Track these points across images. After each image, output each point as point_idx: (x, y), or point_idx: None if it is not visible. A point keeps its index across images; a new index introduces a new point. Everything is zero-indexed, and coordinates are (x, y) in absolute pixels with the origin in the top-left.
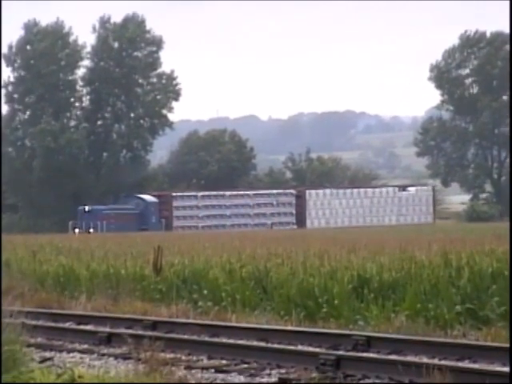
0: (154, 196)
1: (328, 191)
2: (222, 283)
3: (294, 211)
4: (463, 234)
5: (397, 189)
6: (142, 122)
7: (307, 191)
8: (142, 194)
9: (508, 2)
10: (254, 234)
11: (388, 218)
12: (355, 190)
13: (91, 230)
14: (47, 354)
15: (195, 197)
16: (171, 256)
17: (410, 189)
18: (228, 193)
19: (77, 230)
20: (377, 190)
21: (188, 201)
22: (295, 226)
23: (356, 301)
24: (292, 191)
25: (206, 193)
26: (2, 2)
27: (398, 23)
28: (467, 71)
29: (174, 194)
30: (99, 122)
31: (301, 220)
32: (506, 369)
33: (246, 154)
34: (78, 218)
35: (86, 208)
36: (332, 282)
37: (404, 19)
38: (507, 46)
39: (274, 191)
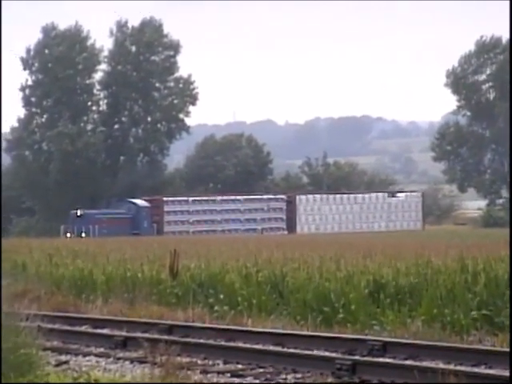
0: (145, 200)
1: (318, 197)
2: (239, 288)
3: (284, 217)
4: (479, 239)
5: (386, 195)
6: (158, 126)
7: (297, 197)
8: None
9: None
10: (269, 239)
11: (377, 224)
12: (345, 196)
13: (83, 235)
14: (63, 358)
15: (186, 201)
16: (187, 260)
17: (399, 195)
18: (219, 197)
19: (68, 235)
20: (366, 195)
21: (179, 206)
22: (285, 232)
23: (372, 306)
24: (283, 196)
25: (197, 198)
26: (23, 5)
27: (415, 26)
28: (484, 77)
29: (165, 198)
30: (116, 126)
31: (291, 225)
32: None
33: (262, 158)
34: (69, 222)
35: (78, 212)
36: (348, 286)
37: (421, 22)
38: None
39: (265, 196)
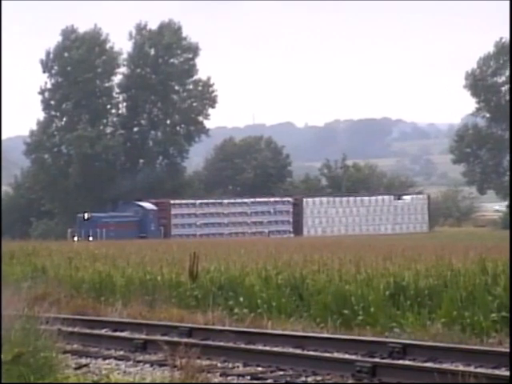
0: (152, 203)
1: (325, 199)
2: (258, 290)
3: (291, 219)
4: (498, 241)
5: (392, 197)
6: (178, 128)
7: (304, 199)
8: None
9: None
10: (289, 241)
11: (384, 227)
12: (351, 199)
13: (90, 238)
14: (83, 361)
15: (193, 204)
16: (207, 262)
17: (405, 197)
18: (226, 201)
19: (75, 238)
20: (373, 198)
21: (186, 209)
22: (292, 235)
23: (392, 308)
24: (289, 199)
25: (204, 200)
26: (42, 8)
27: (434, 28)
28: (503, 78)
29: (172, 201)
30: (135, 129)
31: (297, 228)
32: None
33: (281, 160)
34: (76, 226)
35: (86, 215)
36: (368, 289)
37: (440, 24)
38: None
39: (272, 199)
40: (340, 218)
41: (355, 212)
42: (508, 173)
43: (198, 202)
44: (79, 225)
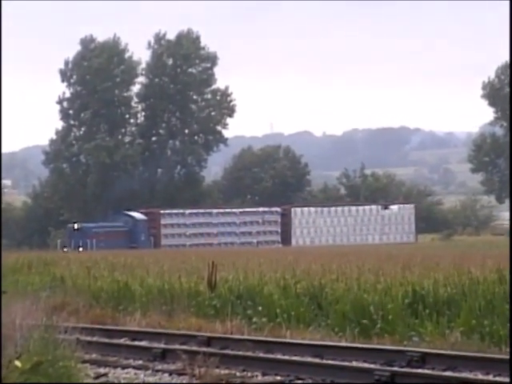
0: (142, 213)
1: (313, 209)
2: (277, 299)
3: (279, 230)
4: None
5: (380, 207)
6: (196, 138)
7: (292, 209)
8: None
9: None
10: (309, 250)
11: (371, 237)
12: (339, 209)
13: (80, 249)
14: (102, 370)
15: (183, 214)
16: (225, 272)
17: (392, 207)
18: (215, 210)
19: (65, 249)
20: (360, 208)
21: (176, 218)
22: (280, 245)
23: (411, 317)
24: (277, 209)
25: (194, 210)
26: (62, 17)
27: (452, 37)
28: None
29: (162, 211)
30: (154, 139)
31: (286, 238)
32: None
33: (300, 170)
34: (66, 236)
35: (76, 226)
36: (387, 298)
37: (458, 33)
38: None
39: (260, 209)
40: (328, 228)
41: (343, 222)
42: None
43: (188, 211)
44: (69, 235)
